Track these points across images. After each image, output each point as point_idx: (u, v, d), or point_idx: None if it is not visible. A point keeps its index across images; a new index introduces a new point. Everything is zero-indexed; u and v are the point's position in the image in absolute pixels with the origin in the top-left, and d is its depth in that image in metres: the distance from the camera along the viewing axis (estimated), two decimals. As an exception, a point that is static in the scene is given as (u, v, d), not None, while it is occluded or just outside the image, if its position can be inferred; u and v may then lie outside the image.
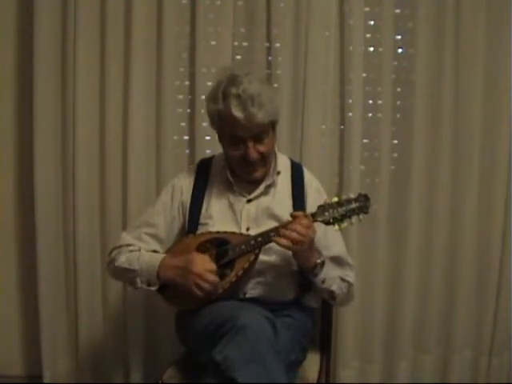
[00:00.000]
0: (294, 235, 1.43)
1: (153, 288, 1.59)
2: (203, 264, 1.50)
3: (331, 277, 1.58)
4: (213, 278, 1.48)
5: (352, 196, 1.51)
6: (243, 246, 1.52)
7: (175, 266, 1.54)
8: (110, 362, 2.28)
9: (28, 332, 2.34)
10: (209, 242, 1.57)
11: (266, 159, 1.62)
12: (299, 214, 1.50)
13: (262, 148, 1.58)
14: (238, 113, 1.50)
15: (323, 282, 1.56)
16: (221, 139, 1.65)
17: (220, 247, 1.55)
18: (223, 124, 1.58)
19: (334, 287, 1.58)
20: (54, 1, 2.11)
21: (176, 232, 1.71)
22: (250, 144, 1.55)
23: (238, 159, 1.59)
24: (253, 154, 1.56)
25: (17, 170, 2.28)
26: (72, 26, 2.10)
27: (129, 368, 2.25)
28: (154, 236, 1.68)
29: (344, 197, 1.51)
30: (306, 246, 1.46)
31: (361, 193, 1.51)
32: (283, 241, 1.44)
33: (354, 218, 1.49)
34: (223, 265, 1.53)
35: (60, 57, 2.15)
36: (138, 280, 1.59)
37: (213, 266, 1.50)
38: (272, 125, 1.61)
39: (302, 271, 1.58)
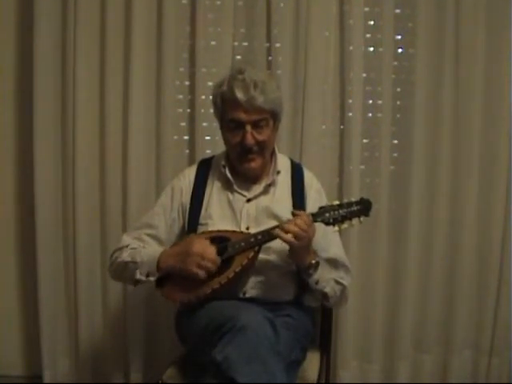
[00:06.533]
0: (296, 229, 1.44)
1: (152, 279, 1.58)
2: (203, 245, 1.51)
3: (325, 278, 1.58)
4: (213, 256, 1.49)
5: (354, 199, 1.52)
6: (243, 244, 1.52)
7: (175, 253, 1.56)
8: (110, 362, 2.28)
9: (28, 332, 2.34)
10: (209, 240, 1.57)
11: (263, 149, 1.63)
12: (301, 212, 1.51)
13: (259, 136, 1.59)
14: (239, 94, 1.54)
15: (317, 283, 1.56)
16: (222, 127, 1.67)
17: (220, 244, 1.55)
18: (225, 107, 1.61)
19: (328, 289, 1.59)
20: (54, 1, 2.11)
21: (176, 233, 1.72)
22: (248, 128, 1.57)
23: (236, 146, 1.61)
24: (250, 139, 1.57)
25: (17, 172, 2.28)
26: (72, 26, 2.10)
27: (129, 368, 2.25)
28: (154, 237, 1.68)
29: (345, 200, 1.53)
30: (305, 243, 1.47)
31: (363, 197, 1.52)
32: (284, 234, 1.45)
33: (355, 220, 1.49)
34: (222, 261, 1.52)
35: (60, 57, 2.15)
36: (138, 272, 1.58)
37: (213, 248, 1.51)
38: (273, 117, 1.63)
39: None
